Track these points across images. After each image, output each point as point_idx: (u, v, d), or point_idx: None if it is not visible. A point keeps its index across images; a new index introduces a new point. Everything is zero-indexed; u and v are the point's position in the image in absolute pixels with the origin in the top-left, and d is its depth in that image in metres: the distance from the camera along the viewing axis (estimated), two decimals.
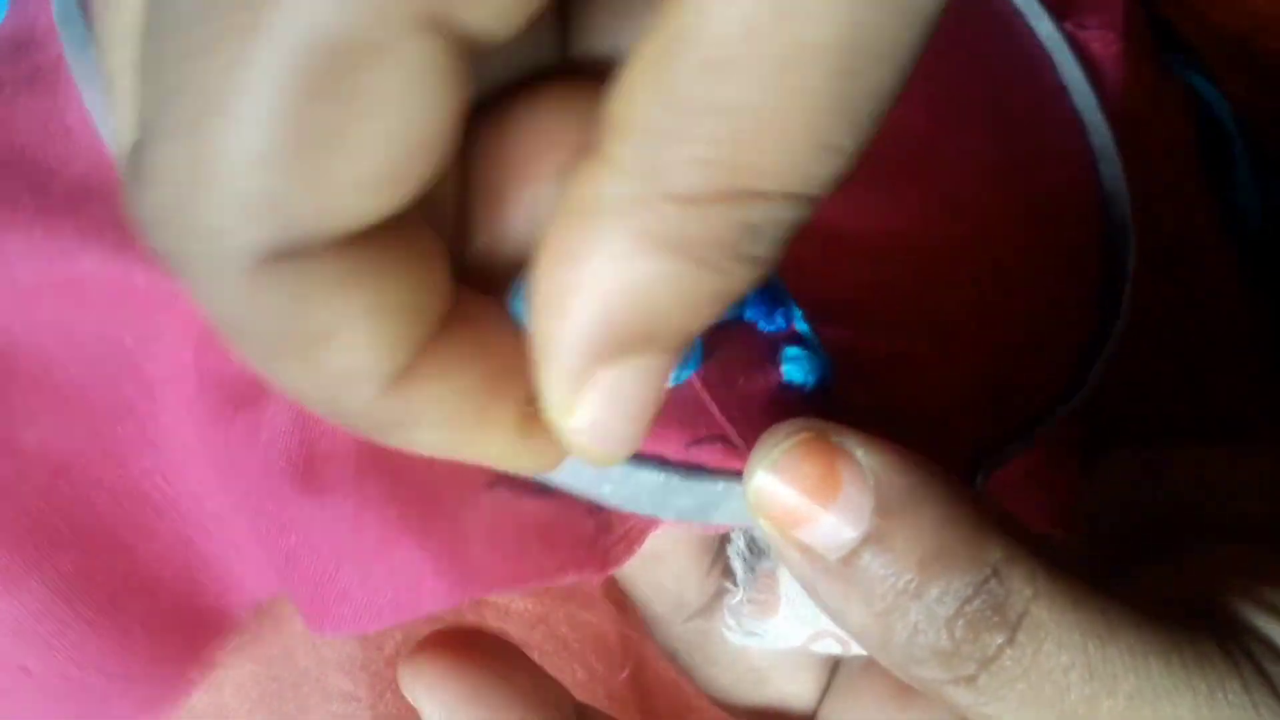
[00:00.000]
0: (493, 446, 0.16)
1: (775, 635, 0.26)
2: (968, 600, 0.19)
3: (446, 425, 0.15)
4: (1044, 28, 0.36)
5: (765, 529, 0.21)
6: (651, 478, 0.21)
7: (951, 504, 0.19)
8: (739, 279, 0.14)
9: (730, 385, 0.22)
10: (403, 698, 0.29)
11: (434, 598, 0.21)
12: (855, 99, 0.13)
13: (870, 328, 0.25)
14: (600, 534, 0.22)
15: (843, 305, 0.25)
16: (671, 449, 0.22)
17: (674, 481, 0.21)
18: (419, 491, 0.21)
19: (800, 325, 0.24)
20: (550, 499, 0.22)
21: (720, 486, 0.22)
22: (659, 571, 0.26)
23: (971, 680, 0.19)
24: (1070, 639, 0.18)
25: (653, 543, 0.24)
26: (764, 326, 0.23)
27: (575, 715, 0.24)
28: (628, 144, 0.13)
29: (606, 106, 0.13)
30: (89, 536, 0.24)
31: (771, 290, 0.24)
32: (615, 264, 0.14)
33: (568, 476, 0.21)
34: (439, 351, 0.15)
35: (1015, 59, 0.36)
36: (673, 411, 0.22)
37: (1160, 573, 0.22)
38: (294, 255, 0.13)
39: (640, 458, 0.21)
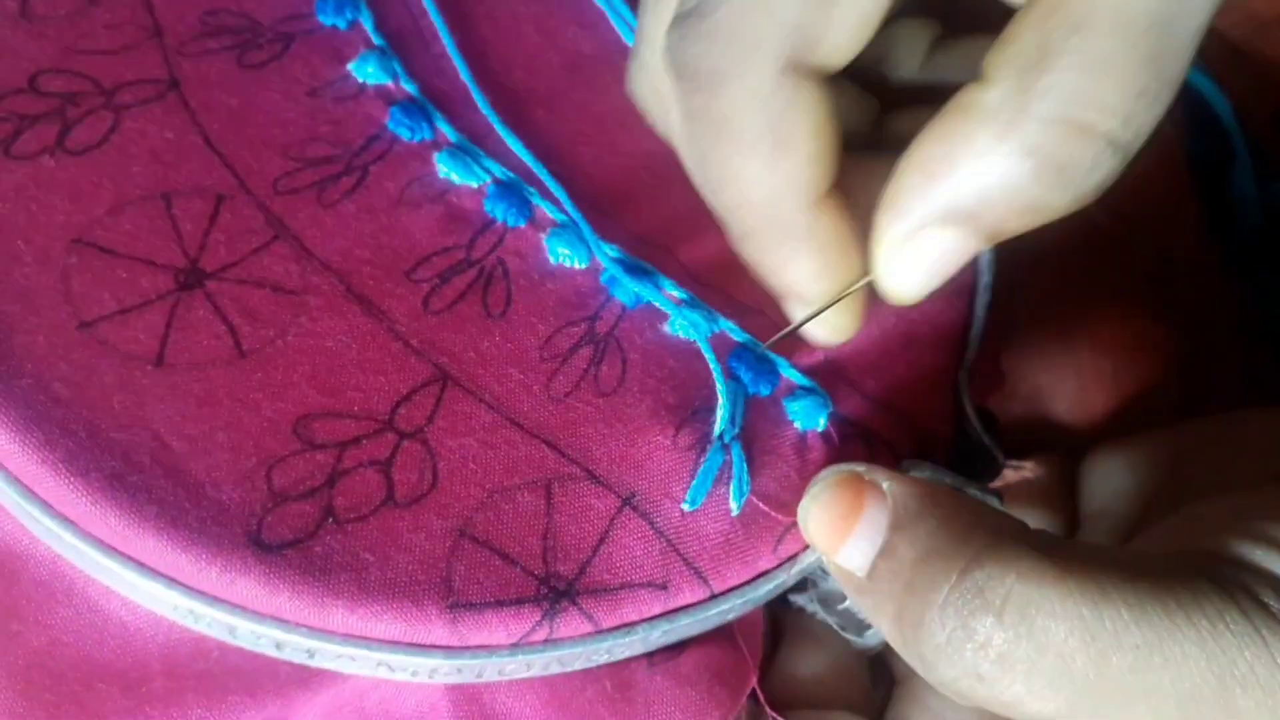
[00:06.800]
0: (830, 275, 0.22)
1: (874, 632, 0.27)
2: (952, 587, 0.19)
3: (822, 252, 0.22)
4: None
5: (820, 558, 0.23)
6: (764, 590, 0.24)
7: (949, 510, 0.21)
8: (1057, 200, 0.19)
9: (775, 476, 0.24)
10: None
11: None
12: (1163, 56, 0.18)
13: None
14: (740, 634, 0.24)
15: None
16: (765, 560, 0.24)
17: (779, 577, 0.24)
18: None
19: (787, 372, 0.26)
20: (691, 649, 0.24)
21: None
22: None
23: (976, 671, 0.19)
24: (1062, 609, 0.19)
25: None
26: (765, 392, 0.26)
27: None
28: (1009, 71, 0.18)
29: (991, 51, 0.19)
30: None
31: (755, 362, 0.26)
32: (974, 153, 0.19)
33: (696, 626, 0.23)
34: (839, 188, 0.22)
35: None
36: (752, 533, 0.24)
37: (1157, 530, 0.23)
38: (798, 71, 0.20)
39: (741, 587, 0.24)
